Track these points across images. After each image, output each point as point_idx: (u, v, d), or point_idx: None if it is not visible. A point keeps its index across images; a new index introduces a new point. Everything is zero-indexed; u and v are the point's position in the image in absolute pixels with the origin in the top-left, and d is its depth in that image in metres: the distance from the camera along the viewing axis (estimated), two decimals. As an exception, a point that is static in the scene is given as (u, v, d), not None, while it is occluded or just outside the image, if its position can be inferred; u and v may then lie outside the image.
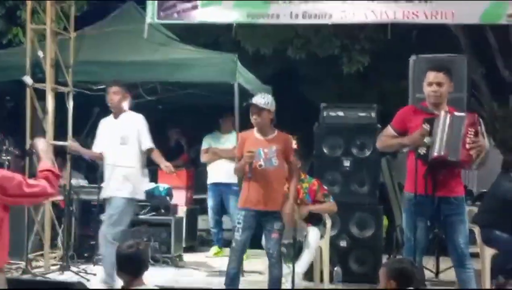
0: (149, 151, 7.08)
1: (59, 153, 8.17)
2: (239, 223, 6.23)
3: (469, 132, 5.47)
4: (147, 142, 7.04)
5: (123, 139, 6.97)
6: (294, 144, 6.62)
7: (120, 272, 4.67)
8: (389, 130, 5.79)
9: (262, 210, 6.20)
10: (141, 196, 7.20)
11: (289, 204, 6.24)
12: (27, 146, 7.70)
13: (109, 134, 7.10)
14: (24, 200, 4.42)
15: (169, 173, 7.28)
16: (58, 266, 7.90)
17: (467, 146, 5.45)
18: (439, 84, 5.63)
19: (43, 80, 8.24)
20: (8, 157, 8.14)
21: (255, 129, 6.33)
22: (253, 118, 6.26)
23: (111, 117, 7.18)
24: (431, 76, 5.68)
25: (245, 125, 6.80)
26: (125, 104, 7.13)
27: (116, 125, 7.09)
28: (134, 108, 7.30)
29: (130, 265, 4.59)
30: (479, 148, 5.49)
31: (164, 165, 7.16)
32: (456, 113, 5.62)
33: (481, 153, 5.53)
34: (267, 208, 6.19)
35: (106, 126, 7.18)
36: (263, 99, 6.24)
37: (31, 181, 4.22)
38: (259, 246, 6.87)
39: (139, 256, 4.61)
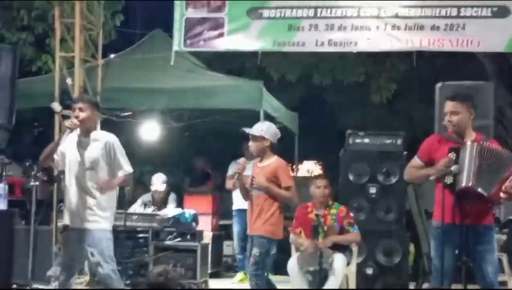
0: None
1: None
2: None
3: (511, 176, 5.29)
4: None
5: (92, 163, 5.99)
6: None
7: None
8: (416, 161, 5.71)
9: (250, 234, 6.46)
10: None
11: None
12: (55, 172, 7.76)
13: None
14: None
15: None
16: (85, 292, 7.94)
17: (504, 188, 5.29)
18: (453, 113, 5.56)
19: (71, 107, 8.30)
20: (36, 183, 8.20)
21: None
22: (249, 145, 6.56)
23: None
24: (446, 105, 5.64)
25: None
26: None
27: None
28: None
29: None
30: None
31: None
32: (492, 146, 5.44)
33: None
34: (251, 233, 6.44)
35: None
36: (258, 126, 6.51)
37: None
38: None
39: (168, 285, 4.53)
